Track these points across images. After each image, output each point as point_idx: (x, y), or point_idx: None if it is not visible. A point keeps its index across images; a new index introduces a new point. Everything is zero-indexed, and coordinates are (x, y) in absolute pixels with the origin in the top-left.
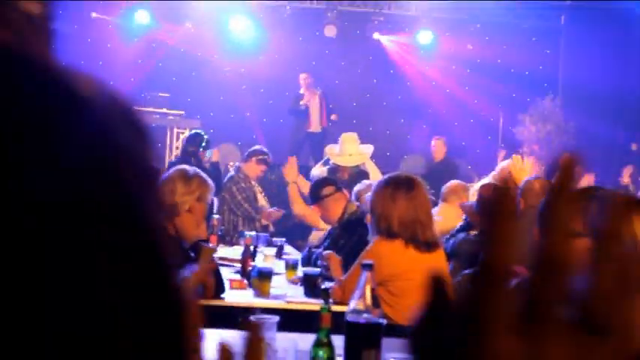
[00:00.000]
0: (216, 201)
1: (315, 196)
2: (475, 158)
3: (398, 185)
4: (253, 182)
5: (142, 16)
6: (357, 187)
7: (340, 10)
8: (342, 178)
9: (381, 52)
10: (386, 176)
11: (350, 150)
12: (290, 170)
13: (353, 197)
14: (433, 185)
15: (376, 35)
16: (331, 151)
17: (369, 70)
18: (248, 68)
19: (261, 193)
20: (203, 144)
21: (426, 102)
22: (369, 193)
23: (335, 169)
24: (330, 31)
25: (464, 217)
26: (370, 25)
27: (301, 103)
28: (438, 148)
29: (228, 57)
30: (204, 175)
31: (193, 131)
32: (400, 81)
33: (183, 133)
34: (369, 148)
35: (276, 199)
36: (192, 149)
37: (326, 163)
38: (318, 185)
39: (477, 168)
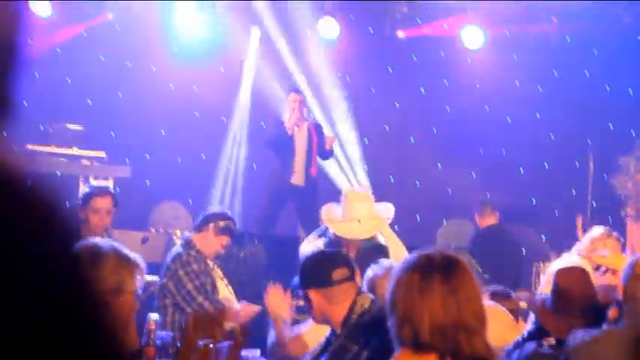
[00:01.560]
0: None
1: (314, 280)
2: (550, 223)
3: (431, 269)
4: (211, 263)
5: (38, 6)
6: (371, 272)
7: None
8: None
9: (405, 61)
10: (413, 255)
11: (359, 213)
12: (274, 301)
13: (365, 287)
14: (484, 266)
15: (400, 34)
16: (329, 215)
17: (388, 88)
18: (203, 85)
19: (222, 279)
20: (80, 196)
21: (475, 136)
22: (390, 282)
23: (336, 243)
24: (329, 29)
25: (533, 320)
26: (390, 19)
27: (289, 131)
28: (492, 212)
29: (173, 68)
30: (123, 250)
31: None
32: (435, 105)
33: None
34: (388, 210)
35: (248, 288)
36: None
37: (322, 233)
38: (326, 262)
39: (553, 239)
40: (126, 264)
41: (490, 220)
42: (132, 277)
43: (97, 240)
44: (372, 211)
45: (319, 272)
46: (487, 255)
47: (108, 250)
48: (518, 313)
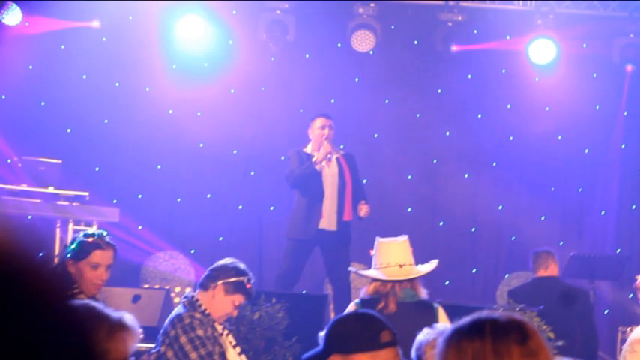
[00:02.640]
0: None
1: (357, 342)
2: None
3: (503, 332)
4: (220, 327)
5: (9, 15)
6: (422, 337)
7: (381, 2)
8: (385, 312)
9: (459, 80)
10: (473, 317)
11: (398, 258)
12: None
13: (413, 355)
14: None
15: (454, 48)
16: (361, 266)
17: (436, 114)
18: (209, 110)
19: (234, 347)
20: (73, 246)
21: (544, 172)
22: (442, 352)
23: (370, 302)
24: (364, 42)
25: None
26: (440, 29)
27: (317, 167)
28: (554, 263)
29: (171, 89)
30: (103, 310)
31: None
32: (495, 133)
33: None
34: (431, 265)
35: (264, 358)
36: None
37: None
38: (369, 321)
39: None
40: (108, 326)
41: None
42: (118, 342)
43: (74, 301)
44: (410, 257)
45: (363, 333)
46: (558, 316)
47: (84, 311)
48: None
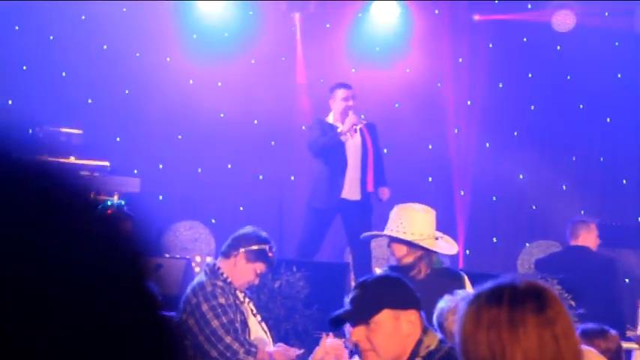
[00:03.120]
0: None
1: (388, 298)
2: None
3: (520, 301)
4: (241, 295)
5: None
6: (443, 304)
7: None
8: (417, 279)
9: (480, 49)
10: (493, 283)
11: (424, 229)
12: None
13: (435, 322)
14: (578, 299)
15: (476, 17)
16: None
17: (458, 83)
18: (229, 81)
19: (255, 315)
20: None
21: (566, 141)
22: (461, 317)
23: (402, 269)
24: (385, 11)
25: None
26: None
27: (342, 137)
28: (587, 233)
29: (192, 60)
30: None
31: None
32: (516, 102)
33: (108, 200)
34: (451, 249)
35: (284, 326)
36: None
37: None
38: (397, 282)
39: None
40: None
41: (584, 240)
42: None
43: None
44: (438, 235)
45: (412, 292)
46: (581, 285)
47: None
48: (618, 355)
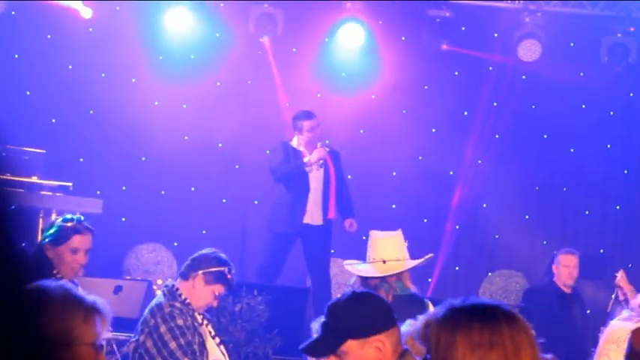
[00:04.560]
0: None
1: (356, 327)
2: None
3: (514, 320)
4: (200, 317)
5: None
6: (404, 328)
7: None
8: None
9: (445, 77)
10: (459, 302)
11: (383, 253)
12: None
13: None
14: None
15: (444, 47)
16: (353, 264)
17: (423, 110)
18: (194, 103)
19: (213, 337)
20: (49, 231)
21: (530, 171)
22: (432, 336)
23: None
24: (352, 37)
25: None
26: (428, 25)
27: (307, 168)
28: (568, 265)
29: (157, 81)
30: (75, 292)
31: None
32: (481, 131)
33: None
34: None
35: (244, 349)
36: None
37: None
38: (375, 303)
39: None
40: (77, 307)
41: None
42: (87, 325)
43: (45, 282)
44: (402, 252)
45: (376, 313)
46: (542, 315)
47: (54, 292)
48: None
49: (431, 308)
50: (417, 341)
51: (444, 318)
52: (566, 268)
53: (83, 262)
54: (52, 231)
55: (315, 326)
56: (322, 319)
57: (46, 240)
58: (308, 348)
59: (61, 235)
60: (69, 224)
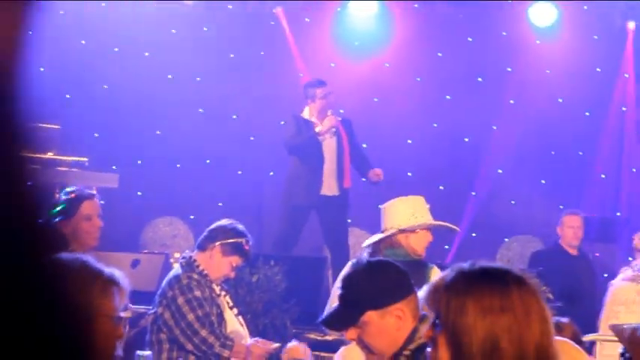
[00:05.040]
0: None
1: (388, 297)
2: None
3: (524, 283)
4: (217, 288)
5: None
6: (421, 293)
7: None
8: None
9: (459, 43)
10: (467, 267)
11: (425, 217)
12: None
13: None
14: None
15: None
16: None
17: (437, 77)
18: (208, 75)
19: (231, 308)
20: (58, 208)
21: (545, 135)
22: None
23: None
24: (364, 6)
25: (620, 349)
26: None
27: (320, 137)
28: (572, 225)
29: (170, 55)
30: (93, 264)
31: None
32: (495, 97)
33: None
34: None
35: (262, 320)
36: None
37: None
38: (393, 271)
39: None
40: (96, 280)
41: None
42: (106, 297)
43: (62, 255)
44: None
45: (394, 282)
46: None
47: (72, 264)
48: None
49: (434, 273)
50: (426, 306)
51: (453, 282)
52: (570, 229)
53: (100, 226)
54: (59, 207)
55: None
56: (339, 291)
57: (58, 217)
58: (327, 321)
59: (71, 206)
60: (73, 195)
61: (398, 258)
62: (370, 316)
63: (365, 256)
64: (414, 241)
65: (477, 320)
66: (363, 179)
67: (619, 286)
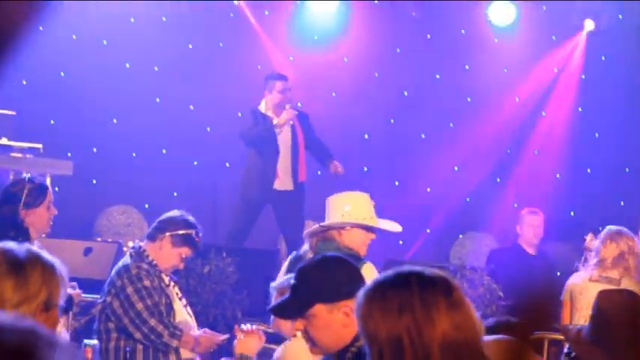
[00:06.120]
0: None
1: (324, 291)
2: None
3: (429, 284)
4: (167, 278)
5: None
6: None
7: None
8: None
9: (417, 40)
10: (396, 270)
11: (370, 212)
12: (244, 345)
13: None
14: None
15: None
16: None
17: (395, 73)
18: (166, 65)
19: (180, 298)
20: (23, 195)
21: (501, 134)
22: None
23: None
24: (324, 0)
25: (566, 349)
26: None
27: (276, 130)
28: (532, 224)
29: (129, 43)
30: (46, 257)
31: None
32: (453, 94)
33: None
34: (393, 228)
35: (212, 311)
36: (6, 209)
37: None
38: (345, 267)
39: None
40: (51, 272)
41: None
42: (59, 288)
43: (11, 245)
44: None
45: (347, 278)
46: (505, 277)
47: (28, 257)
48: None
49: (366, 269)
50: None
51: (366, 291)
52: (530, 228)
53: (55, 214)
54: (23, 197)
55: (275, 286)
56: (292, 281)
57: (22, 207)
58: (276, 309)
59: (39, 195)
60: (36, 183)
61: (327, 251)
62: (319, 309)
63: (305, 247)
64: (347, 237)
65: (380, 323)
66: (319, 172)
67: (588, 289)
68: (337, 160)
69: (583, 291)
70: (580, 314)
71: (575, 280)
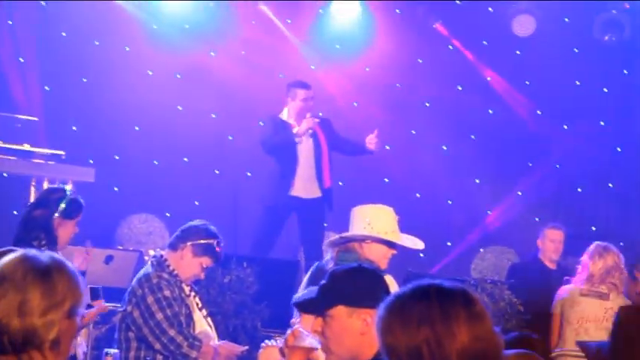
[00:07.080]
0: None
1: (363, 299)
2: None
3: (449, 296)
4: (187, 288)
5: None
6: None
7: None
8: None
9: (440, 50)
10: (414, 284)
11: (393, 226)
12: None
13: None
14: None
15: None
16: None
17: (417, 84)
18: (188, 73)
19: (201, 309)
20: (62, 205)
21: (523, 147)
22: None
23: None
24: (345, 11)
25: None
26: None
27: (296, 139)
28: (553, 239)
29: (151, 50)
30: (68, 266)
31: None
32: (475, 106)
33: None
34: (415, 246)
35: (233, 322)
36: (40, 212)
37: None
38: (375, 279)
39: None
40: (74, 282)
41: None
42: (81, 298)
43: (34, 253)
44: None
45: (374, 289)
46: (525, 292)
47: (51, 266)
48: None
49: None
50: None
51: (385, 306)
52: (552, 243)
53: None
54: (63, 205)
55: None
56: (324, 281)
57: (58, 214)
58: (300, 302)
59: (74, 209)
60: (75, 197)
61: (348, 262)
62: (339, 310)
63: (327, 257)
64: (367, 250)
65: (399, 335)
66: (341, 183)
67: (584, 303)
68: (358, 172)
69: (574, 304)
70: (572, 327)
71: (566, 294)
